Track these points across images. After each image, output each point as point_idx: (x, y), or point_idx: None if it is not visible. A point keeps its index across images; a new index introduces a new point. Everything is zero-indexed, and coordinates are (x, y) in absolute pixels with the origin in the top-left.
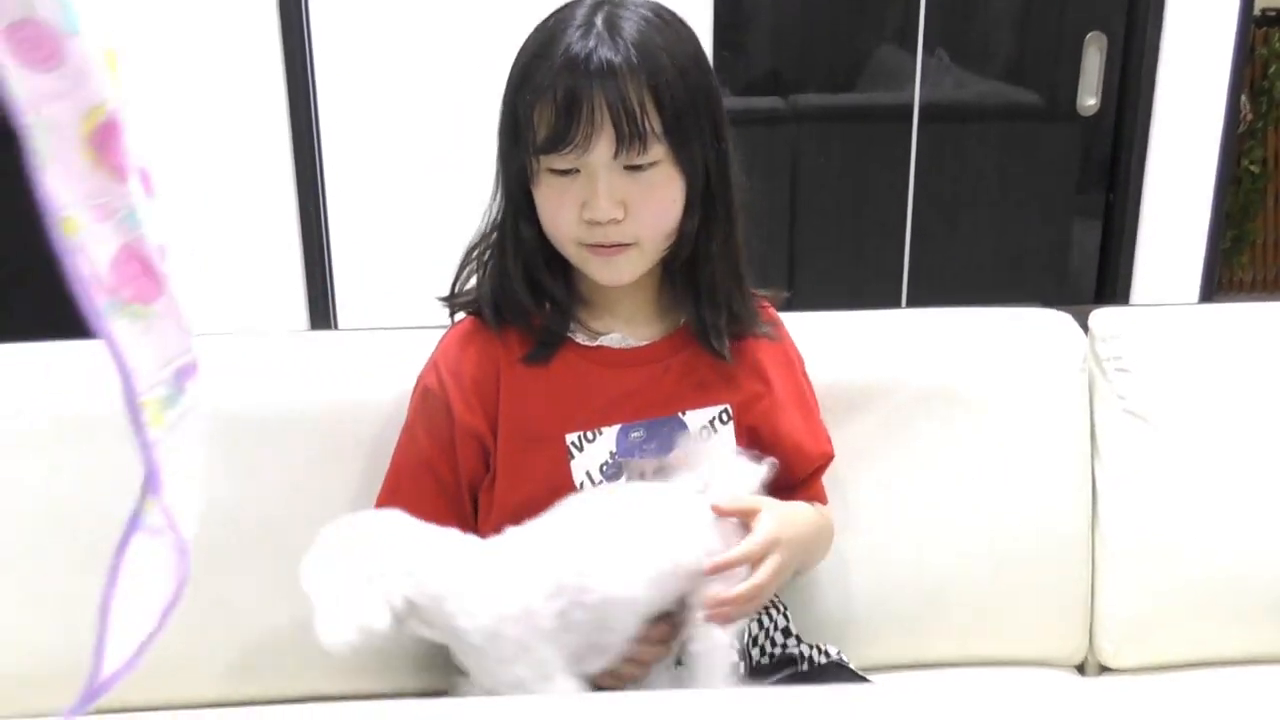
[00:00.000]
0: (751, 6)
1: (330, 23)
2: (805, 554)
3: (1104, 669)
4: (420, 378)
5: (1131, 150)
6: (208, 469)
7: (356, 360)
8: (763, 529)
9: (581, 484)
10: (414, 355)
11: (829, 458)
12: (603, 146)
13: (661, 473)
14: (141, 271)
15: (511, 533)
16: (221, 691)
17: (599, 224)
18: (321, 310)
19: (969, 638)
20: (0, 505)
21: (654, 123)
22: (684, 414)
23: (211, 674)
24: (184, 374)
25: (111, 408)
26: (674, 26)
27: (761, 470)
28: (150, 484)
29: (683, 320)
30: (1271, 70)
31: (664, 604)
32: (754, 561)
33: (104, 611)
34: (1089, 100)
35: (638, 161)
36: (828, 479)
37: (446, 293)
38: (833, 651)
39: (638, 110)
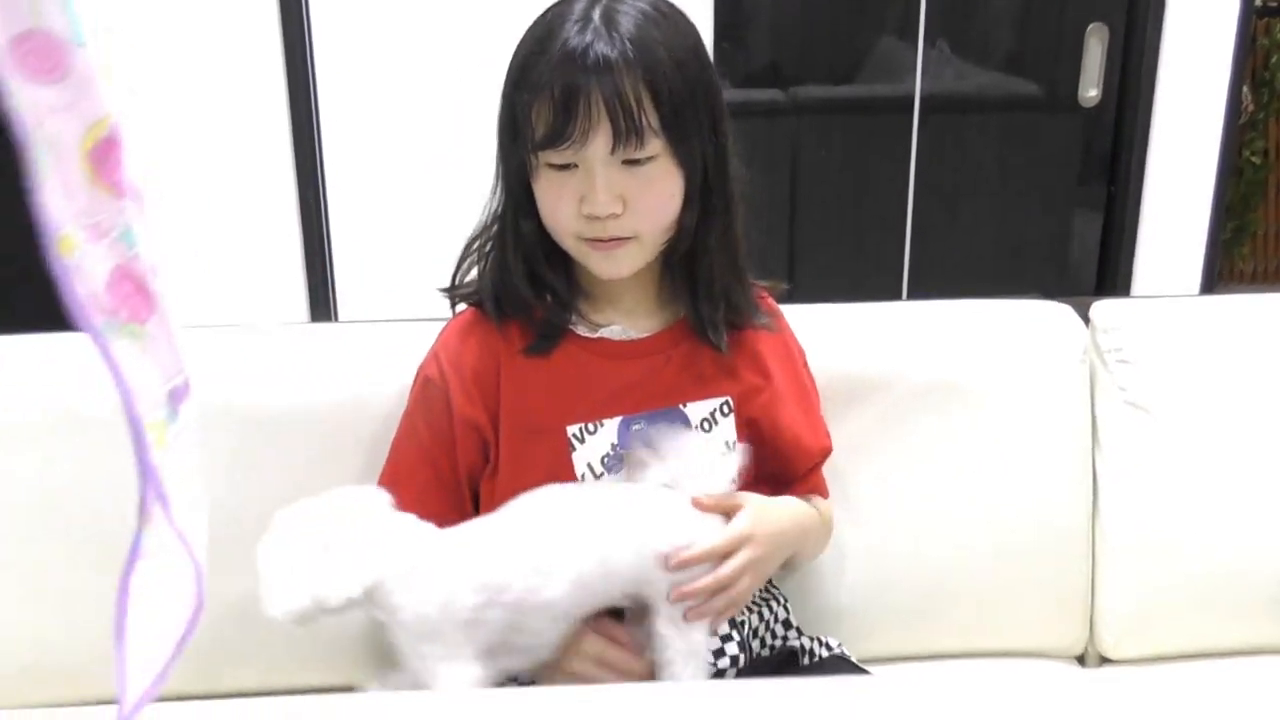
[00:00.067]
0: None
1: (330, 14)
2: (790, 548)
3: (1104, 660)
4: (421, 368)
5: (1132, 142)
6: (208, 462)
7: (357, 353)
8: (734, 524)
9: (583, 476)
10: (415, 347)
11: (826, 453)
12: (600, 142)
13: (634, 468)
14: (134, 290)
15: (467, 525)
16: (218, 685)
17: (598, 218)
18: (322, 301)
19: (970, 630)
20: None
21: (651, 117)
22: (685, 406)
23: (209, 667)
24: (177, 395)
25: (106, 401)
26: (672, 20)
27: (735, 459)
28: (160, 507)
29: (683, 312)
30: (1273, 61)
31: (596, 605)
32: (720, 557)
33: (119, 639)
34: (1090, 92)
35: (635, 156)
36: (828, 471)
37: (447, 284)
38: (833, 644)
39: (634, 105)
